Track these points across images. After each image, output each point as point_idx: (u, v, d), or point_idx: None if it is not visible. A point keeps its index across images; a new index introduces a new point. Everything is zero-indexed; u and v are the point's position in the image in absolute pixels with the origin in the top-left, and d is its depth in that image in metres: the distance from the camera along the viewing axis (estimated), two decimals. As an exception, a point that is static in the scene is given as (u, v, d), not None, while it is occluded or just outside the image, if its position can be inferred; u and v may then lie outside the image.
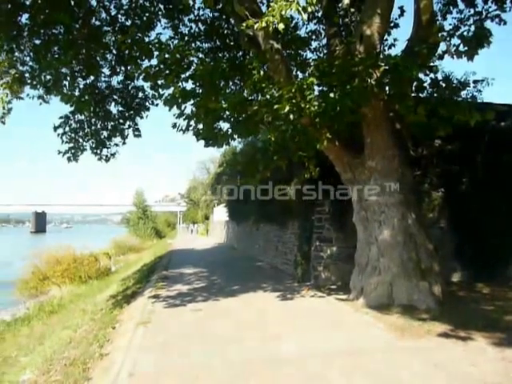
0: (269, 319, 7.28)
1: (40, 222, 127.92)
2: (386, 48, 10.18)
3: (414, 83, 7.41)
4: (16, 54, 8.93)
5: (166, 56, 6.90)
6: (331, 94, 6.39)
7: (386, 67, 6.68)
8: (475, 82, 7.91)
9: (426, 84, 7.59)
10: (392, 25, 9.89)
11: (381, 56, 7.51)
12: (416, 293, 7.43)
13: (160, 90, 8.80)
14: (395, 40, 10.53)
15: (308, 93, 6.36)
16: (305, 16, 5.28)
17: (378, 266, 7.76)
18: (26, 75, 9.06)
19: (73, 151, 9.99)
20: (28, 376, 6.17)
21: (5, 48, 8.63)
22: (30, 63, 9.11)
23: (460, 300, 8.09)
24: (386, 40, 10.01)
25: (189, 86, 7.52)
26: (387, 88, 7.27)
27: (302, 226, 11.34)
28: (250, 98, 7.28)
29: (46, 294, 18.49)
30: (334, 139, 7.61)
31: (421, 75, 7.34)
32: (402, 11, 10.12)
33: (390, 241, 7.66)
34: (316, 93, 6.75)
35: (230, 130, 7.80)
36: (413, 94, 7.54)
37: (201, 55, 9.15)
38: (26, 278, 20.17)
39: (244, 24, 6.08)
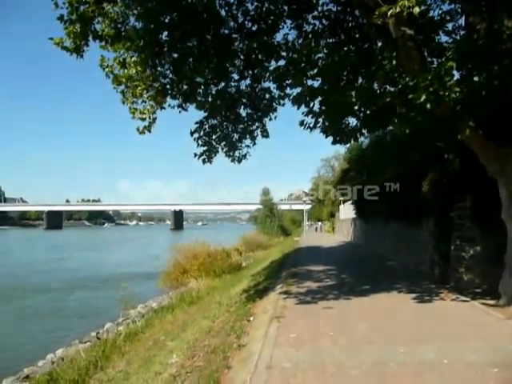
0: (405, 322, 6.89)
1: (178, 220, 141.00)
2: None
3: None
4: (158, 68, 9.85)
5: (294, 56, 6.96)
6: (475, 78, 5.77)
7: (544, 40, 5.81)
8: None
9: None
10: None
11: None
12: None
13: (286, 90, 8.97)
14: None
15: (447, 79, 5.80)
16: (444, -5, 4.87)
17: (534, 269, 6.82)
18: (167, 87, 9.95)
19: (207, 153, 10.66)
20: (175, 359, 6.81)
21: (149, 64, 9.59)
22: (170, 76, 9.97)
23: None
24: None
25: (316, 84, 7.51)
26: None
27: (438, 223, 10.49)
28: (380, 89, 6.97)
29: (185, 285, 20.19)
30: (478, 127, 6.88)
31: None
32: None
33: (548, 241, 6.67)
34: (456, 78, 6.17)
35: (358, 125, 7.58)
36: None
37: (326, 51, 9.03)
38: (169, 271, 22.38)
39: (376, 12, 5.82)
